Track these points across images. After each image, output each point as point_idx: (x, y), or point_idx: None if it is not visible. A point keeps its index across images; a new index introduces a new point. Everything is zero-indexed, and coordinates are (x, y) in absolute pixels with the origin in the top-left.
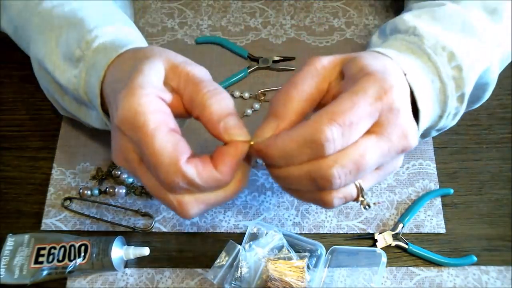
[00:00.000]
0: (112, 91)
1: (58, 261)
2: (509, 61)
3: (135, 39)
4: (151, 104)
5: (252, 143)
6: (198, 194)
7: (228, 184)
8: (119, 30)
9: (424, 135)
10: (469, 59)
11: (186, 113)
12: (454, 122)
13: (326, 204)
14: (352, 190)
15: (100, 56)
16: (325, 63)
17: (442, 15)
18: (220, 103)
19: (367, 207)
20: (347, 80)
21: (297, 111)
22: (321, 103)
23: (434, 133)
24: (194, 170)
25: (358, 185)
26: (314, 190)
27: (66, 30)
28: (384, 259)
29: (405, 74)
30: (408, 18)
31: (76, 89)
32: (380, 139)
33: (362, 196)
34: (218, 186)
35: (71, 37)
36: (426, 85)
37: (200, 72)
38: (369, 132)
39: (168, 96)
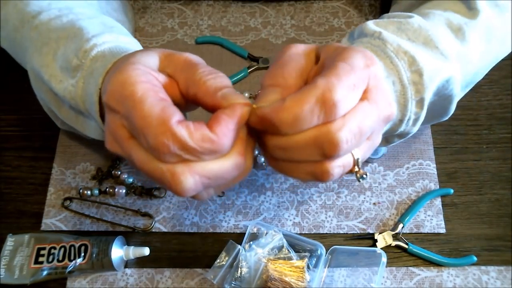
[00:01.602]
0: (104, 91)
1: (58, 261)
2: (477, 79)
3: (134, 47)
4: (139, 76)
5: (255, 106)
6: (193, 163)
7: (228, 153)
8: (118, 39)
9: (387, 140)
10: (430, 66)
11: (182, 99)
12: (415, 129)
13: (324, 175)
14: (349, 160)
15: (98, 64)
16: (303, 47)
17: (407, 27)
18: (216, 79)
19: (364, 176)
20: (323, 61)
21: (296, 84)
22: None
23: (396, 140)
24: (185, 130)
25: (354, 157)
26: (316, 160)
27: (64, 42)
28: (384, 259)
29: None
30: (372, 25)
31: (74, 98)
32: (372, 104)
33: (358, 166)
34: (214, 151)
35: (68, 48)
36: (388, 87)
37: (196, 57)
38: (361, 98)
39: (162, 77)
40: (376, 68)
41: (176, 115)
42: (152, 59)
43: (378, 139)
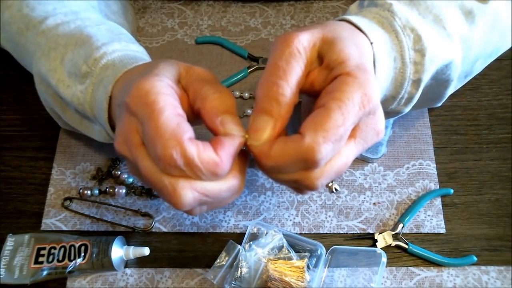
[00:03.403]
0: (121, 96)
1: (58, 261)
2: (474, 71)
3: (142, 56)
4: (163, 88)
5: (248, 143)
6: (194, 181)
7: (226, 176)
8: (127, 47)
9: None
10: (433, 47)
11: (190, 112)
12: (407, 109)
13: (301, 194)
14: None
15: (108, 72)
16: (306, 44)
17: (419, 2)
18: (222, 99)
19: (334, 190)
20: (326, 69)
21: (290, 107)
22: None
23: (386, 118)
24: (194, 148)
25: None
26: (296, 186)
27: (72, 48)
28: (384, 259)
29: (371, 43)
30: None
31: (82, 104)
32: (358, 143)
33: (331, 182)
34: (215, 174)
35: (77, 54)
36: (388, 62)
37: (209, 74)
38: (348, 137)
39: (179, 92)
40: (371, 105)
41: (189, 132)
42: (173, 71)
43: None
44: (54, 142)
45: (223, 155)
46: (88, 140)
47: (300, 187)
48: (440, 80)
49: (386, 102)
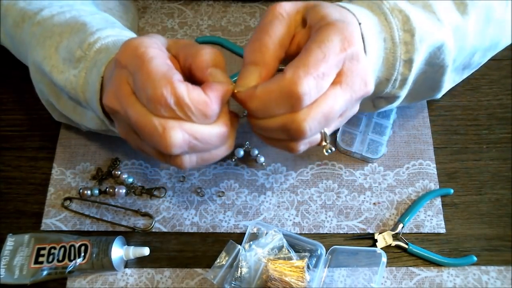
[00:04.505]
0: (111, 69)
1: (58, 261)
2: (474, 63)
3: None
4: (152, 43)
5: (235, 91)
6: (184, 122)
7: (215, 122)
8: (121, 33)
9: (374, 105)
10: (422, 27)
11: (182, 74)
12: (403, 93)
13: (292, 151)
14: (316, 137)
15: (102, 55)
16: (288, 9)
17: None
18: (211, 55)
19: (329, 150)
20: (309, 27)
21: (274, 57)
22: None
23: (384, 104)
24: (185, 87)
25: (322, 132)
26: (286, 139)
27: (67, 35)
28: (384, 259)
29: (359, 24)
30: None
31: (74, 88)
32: (345, 89)
33: (325, 141)
34: (205, 115)
35: (72, 41)
36: (378, 42)
37: (196, 43)
38: (334, 82)
39: (169, 55)
40: (353, 49)
41: (178, 75)
42: (162, 39)
43: (353, 111)
44: (54, 142)
45: (212, 96)
46: (88, 140)
47: (289, 135)
48: (435, 65)
49: (380, 85)
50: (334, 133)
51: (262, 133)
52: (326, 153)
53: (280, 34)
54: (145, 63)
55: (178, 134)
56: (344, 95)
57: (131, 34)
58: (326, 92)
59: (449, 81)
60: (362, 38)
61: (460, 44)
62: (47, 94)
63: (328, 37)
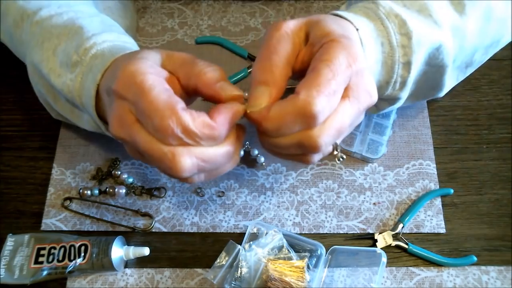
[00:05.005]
0: (108, 82)
1: (58, 261)
2: (476, 61)
3: (132, 47)
4: (147, 68)
5: (248, 111)
6: (192, 147)
7: (223, 141)
8: (117, 38)
9: (377, 107)
10: (419, 30)
11: (182, 92)
12: (404, 94)
13: (307, 163)
14: (329, 148)
15: (98, 61)
16: (292, 27)
17: None
18: (215, 71)
19: (341, 159)
20: (311, 44)
21: (283, 76)
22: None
23: (386, 106)
24: (189, 115)
25: (334, 143)
26: (300, 154)
27: (64, 39)
28: (384, 259)
29: (357, 30)
30: None
31: (71, 92)
32: (353, 102)
33: (337, 150)
34: (212, 138)
35: (69, 45)
36: (376, 47)
37: (191, 56)
38: (342, 97)
39: (164, 73)
40: (358, 65)
41: (181, 103)
42: (156, 56)
43: (360, 119)
44: (54, 142)
45: (219, 119)
46: (88, 140)
47: (304, 150)
48: (435, 65)
49: (381, 88)
50: None
51: (275, 150)
52: (338, 162)
53: (287, 53)
54: (145, 93)
55: (187, 160)
56: (353, 108)
57: (127, 39)
58: (337, 108)
59: (451, 79)
60: (361, 43)
61: (460, 43)
62: (45, 95)
63: (334, 55)
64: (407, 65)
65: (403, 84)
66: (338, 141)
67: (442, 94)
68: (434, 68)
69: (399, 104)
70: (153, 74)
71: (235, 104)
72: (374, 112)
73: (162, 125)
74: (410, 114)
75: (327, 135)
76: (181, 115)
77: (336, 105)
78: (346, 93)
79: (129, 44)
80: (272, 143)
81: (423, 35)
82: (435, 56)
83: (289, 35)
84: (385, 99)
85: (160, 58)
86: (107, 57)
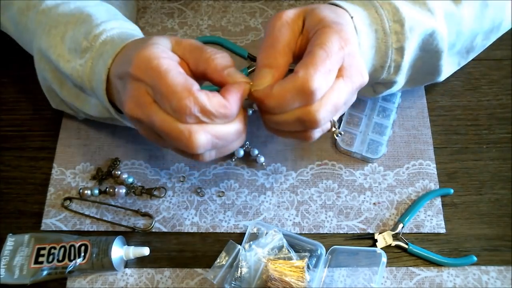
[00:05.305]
0: (122, 64)
1: (58, 261)
2: (477, 46)
3: (139, 34)
4: (161, 53)
5: (252, 90)
6: (206, 125)
7: (234, 119)
8: (124, 25)
9: (374, 90)
10: (412, 17)
11: (191, 76)
12: (400, 78)
13: (307, 139)
14: (327, 125)
15: (108, 47)
16: (291, 15)
17: None
18: (223, 58)
19: (339, 135)
20: (307, 31)
21: (285, 61)
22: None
23: (383, 90)
24: (205, 95)
25: (332, 120)
26: (301, 130)
27: (72, 26)
28: (384, 259)
29: (352, 17)
30: None
31: (81, 77)
32: (346, 81)
33: (335, 127)
34: (226, 116)
35: (77, 32)
36: (370, 33)
37: (198, 43)
38: (337, 76)
39: (175, 57)
40: (350, 48)
41: (196, 84)
42: (166, 42)
43: (353, 99)
44: (54, 142)
45: (231, 99)
46: (88, 140)
47: (304, 126)
48: (430, 51)
49: (376, 72)
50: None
51: (277, 127)
52: (336, 137)
53: (288, 39)
54: (162, 76)
55: (202, 137)
56: (347, 86)
57: (133, 26)
58: (333, 86)
59: (451, 65)
60: (356, 30)
61: (456, 29)
62: (50, 81)
63: (328, 39)
64: (400, 50)
65: (397, 68)
66: (335, 118)
67: (441, 78)
68: (429, 54)
69: (396, 88)
70: (167, 59)
71: (243, 83)
72: (372, 95)
73: (180, 105)
74: (410, 114)
75: (325, 110)
76: (198, 95)
77: (332, 82)
78: (340, 73)
79: (136, 31)
80: (274, 120)
81: (416, 22)
82: (429, 42)
83: (289, 23)
84: (381, 83)
85: (170, 44)
86: (117, 43)
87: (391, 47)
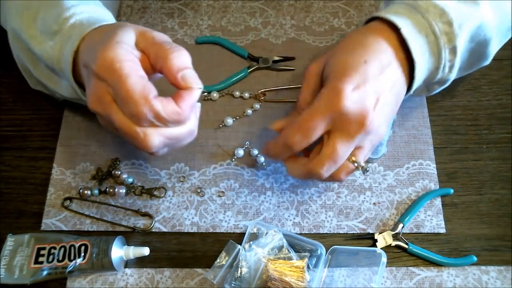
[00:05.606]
0: (87, 54)
1: (58, 261)
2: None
3: (108, 19)
4: (124, 55)
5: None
6: (160, 128)
7: (185, 122)
8: (94, 10)
9: (428, 89)
10: (459, 15)
11: (151, 70)
12: (453, 75)
13: (339, 181)
14: (350, 166)
15: (76, 31)
16: (315, 70)
17: None
18: (179, 58)
19: (365, 171)
20: (321, 82)
21: (307, 104)
22: None
23: (436, 87)
24: (160, 104)
25: (353, 160)
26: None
27: (44, 8)
28: (384, 259)
29: (400, 29)
30: None
31: (50, 58)
32: (339, 134)
33: (359, 165)
34: (179, 122)
35: (48, 14)
36: (420, 39)
37: (162, 36)
38: (331, 131)
39: (137, 54)
40: (340, 108)
41: (153, 92)
42: (130, 37)
43: (378, 137)
44: (54, 142)
45: (183, 106)
46: (88, 140)
47: (314, 178)
48: (479, 41)
49: (431, 74)
50: None
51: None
52: (363, 174)
53: (315, 89)
54: (122, 81)
55: (156, 139)
56: (341, 138)
57: (104, 11)
58: (327, 141)
59: (496, 46)
60: (406, 40)
61: (500, 13)
62: (24, 60)
63: (321, 101)
64: (453, 49)
65: (451, 67)
66: (358, 159)
67: (488, 62)
68: (478, 44)
69: (449, 83)
70: (129, 61)
71: (194, 90)
72: (426, 94)
73: (137, 111)
74: (410, 114)
75: (322, 165)
76: (153, 103)
77: (313, 138)
78: (334, 127)
79: (104, 15)
80: (292, 175)
81: (464, 17)
82: (478, 33)
83: (316, 74)
84: (435, 82)
85: (134, 37)
86: (85, 27)
87: (444, 47)
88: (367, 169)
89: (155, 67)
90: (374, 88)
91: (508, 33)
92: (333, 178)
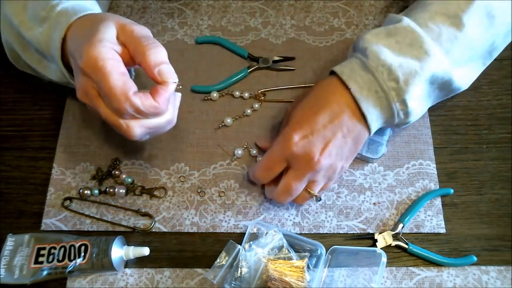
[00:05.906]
0: (74, 45)
1: (58, 261)
2: (499, 45)
3: (92, 7)
4: (107, 53)
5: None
6: (141, 120)
7: (164, 114)
8: None
9: (398, 126)
10: (406, 72)
11: (132, 62)
12: (412, 118)
13: (298, 204)
14: (306, 195)
15: (62, 18)
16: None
17: (397, 31)
18: (156, 54)
19: (318, 200)
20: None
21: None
22: None
23: (403, 125)
24: (139, 100)
25: (307, 191)
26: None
27: None
28: (384, 259)
29: (349, 89)
30: (367, 37)
31: (40, 43)
32: (293, 171)
33: (313, 195)
34: (157, 114)
35: (37, 4)
36: (371, 95)
37: (142, 30)
38: (288, 167)
39: (119, 48)
40: (291, 152)
41: (133, 88)
42: (112, 32)
43: (334, 169)
44: (54, 142)
45: (160, 100)
46: (88, 140)
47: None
48: (442, 84)
49: (388, 120)
50: None
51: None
52: (316, 201)
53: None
54: (105, 79)
55: (138, 129)
56: (293, 173)
57: (88, 1)
58: (285, 175)
59: (474, 69)
60: (355, 100)
61: (469, 46)
62: (13, 45)
63: (273, 147)
64: (403, 101)
65: (406, 114)
66: (314, 190)
67: (464, 88)
68: (443, 86)
69: (413, 121)
70: (111, 60)
71: (170, 84)
72: (394, 127)
73: (118, 107)
74: None
75: (279, 193)
76: (133, 100)
77: (274, 174)
78: (289, 165)
79: (89, 4)
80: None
81: (411, 74)
82: (434, 78)
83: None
84: (397, 124)
85: (115, 32)
86: (70, 15)
87: (393, 101)
88: (319, 198)
89: (134, 60)
90: (322, 136)
91: (490, 55)
92: (295, 202)
